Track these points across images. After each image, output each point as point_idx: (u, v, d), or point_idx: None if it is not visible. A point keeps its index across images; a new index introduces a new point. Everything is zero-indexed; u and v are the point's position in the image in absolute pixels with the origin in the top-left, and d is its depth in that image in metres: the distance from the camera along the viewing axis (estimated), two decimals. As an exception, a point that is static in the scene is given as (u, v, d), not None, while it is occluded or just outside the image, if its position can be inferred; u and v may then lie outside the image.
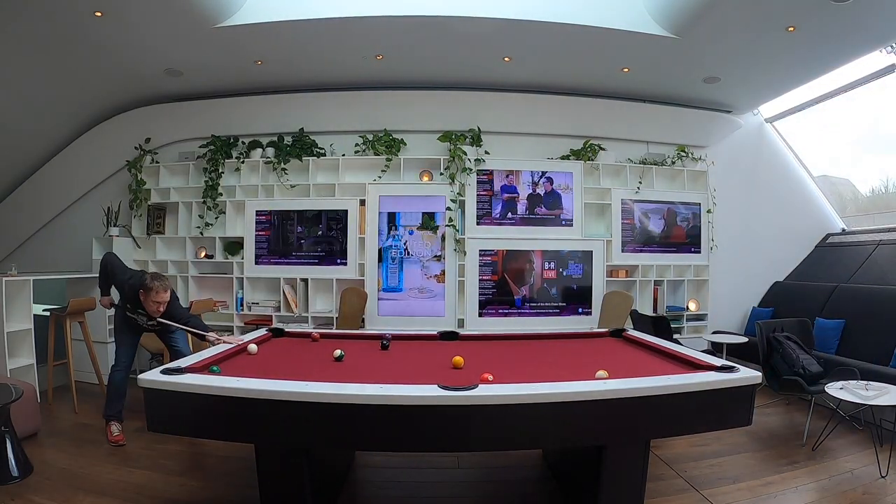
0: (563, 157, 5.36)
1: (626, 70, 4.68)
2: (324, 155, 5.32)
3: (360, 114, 5.25)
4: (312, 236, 5.20)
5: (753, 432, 3.54)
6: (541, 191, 5.26)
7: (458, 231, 5.13)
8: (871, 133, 5.62)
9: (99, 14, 3.59)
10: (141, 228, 5.38)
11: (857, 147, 5.97)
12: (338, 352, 2.59)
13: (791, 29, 3.73)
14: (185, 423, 2.08)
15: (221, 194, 5.25)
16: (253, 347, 2.70)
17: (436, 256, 5.17)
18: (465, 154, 5.13)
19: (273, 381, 2.00)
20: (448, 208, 5.15)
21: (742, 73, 4.64)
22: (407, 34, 4.13)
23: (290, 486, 2.13)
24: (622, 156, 5.52)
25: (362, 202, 5.16)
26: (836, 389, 3.16)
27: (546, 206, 5.27)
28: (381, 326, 4.90)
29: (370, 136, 5.27)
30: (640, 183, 5.41)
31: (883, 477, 2.84)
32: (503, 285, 5.17)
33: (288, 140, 5.33)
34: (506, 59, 4.53)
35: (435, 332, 3.31)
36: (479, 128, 5.20)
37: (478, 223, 5.18)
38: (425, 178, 5.26)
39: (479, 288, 5.14)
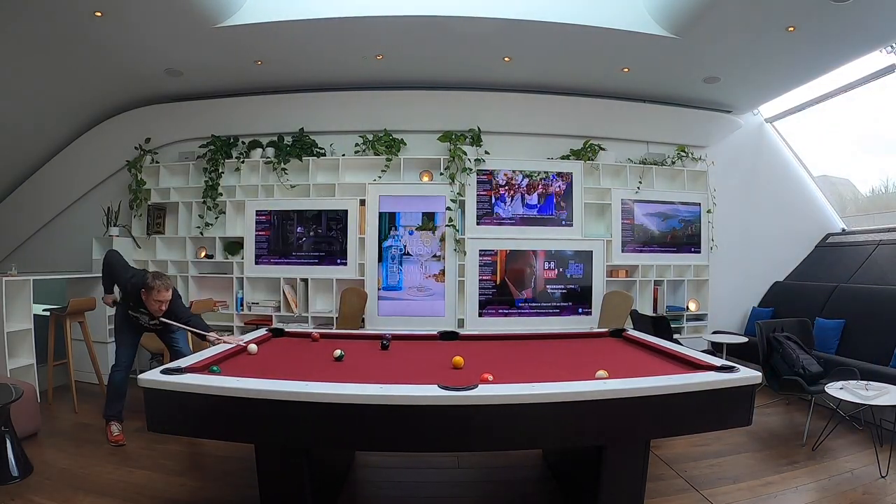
0: (563, 157, 5.36)
1: (626, 70, 4.68)
2: (324, 155, 5.32)
3: (360, 114, 5.25)
4: (312, 236, 5.21)
5: (753, 432, 3.54)
6: (541, 191, 5.26)
7: (457, 231, 5.13)
8: (871, 133, 5.62)
9: (99, 14, 3.59)
10: (141, 228, 5.38)
11: (857, 147, 5.97)
12: (338, 352, 2.60)
13: (791, 29, 3.73)
14: (185, 423, 2.08)
15: (221, 194, 5.25)
16: (253, 347, 2.70)
17: (435, 256, 5.18)
18: (465, 154, 5.13)
19: (273, 381, 2.00)
20: (448, 208, 5.15)
21: (742, 73, 4.63)
22: (407, 34, 4.13)
23: (290, 486, 2.13)
24: (622, 156, 5.52)
25: (362, 202, 5.17)
26: (836, 389, 3.16)
27: (546, 206, 5.26)
28: (381, 326, 4.91)
29: (370, 136, 5.27)
30: (640, 183, 5.41)
31: (883, 477, 2.84)
32: (503, 287, 5.17)
33: (288, 140, 5.33)
34: (506, 59, 4.53)
35: (435, 332, 3.30)
36: (479, 128, 5.20)
37: (478, 223, 5.19)
38: (425, 178, 5.26)
39: (479, 288, 5.14)
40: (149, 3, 3.52)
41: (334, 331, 3.99)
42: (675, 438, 3.34)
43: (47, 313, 4.24)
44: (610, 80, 4.94)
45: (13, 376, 3.66)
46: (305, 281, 5.15)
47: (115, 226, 5.18)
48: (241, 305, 5.18)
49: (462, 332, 3.50)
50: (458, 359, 2.43)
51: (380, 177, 5.20)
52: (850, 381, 3.25)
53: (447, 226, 5.14)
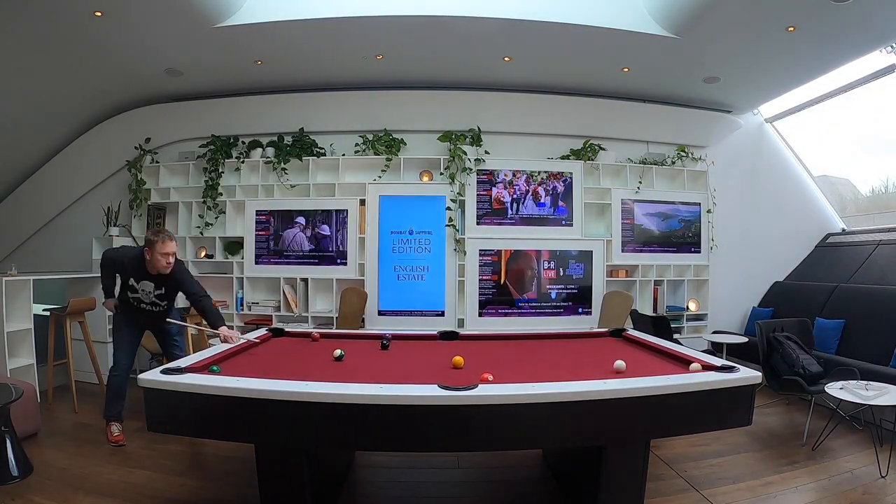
0: (563, 157, 5.36)
1: (626, 70, 4.68)
2: (324, 155, 5.32)
3: (360, 114, 5.25)
4: (312, 237, 5.20)
5: (753, 432, 3.54)
6: (541, 191, 5.26)
7: (458, 231, 5.13)
8: (871, 133, 5.62)
9: (99, 14, 3.59)
10: (141, 228, 5.37)
11: (857, 147, 5.98)
12: (338, 352, 2.59)
13: (791, 29, 3.73)
14: (185, 423, 2.08)
15: (221, 194, 5.25)
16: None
17: (434, 254, 5.17)
18: (465, 154, 5.13)
19: (273, 381, 2.00)
20: (448, 208, 5.15)
21: (742, 73, 4.63)
22: (407, 34, 4.13)
23: (290, 486, 2.12)
24: (622, 156, 5.52)
25: (362, 202, 5.17)
26: (836, 389, 3.16)
27: (546, 206, 5.26)
28: (381, 326, 4.91)
29: (370, 136, 5.27)
30: (640, 183, 5.41)
31: (883, 477, 2.84)
32: (504, 287, 5.17)
33: (288, 140, 5.33)
34: (506, 58, 4.53)
35: (435, 332, 3.30)
36: (479, 128, 5.20)
37: (478, 223, 5.19)
38: (425, 178, 5.26)
39: (479, 288, 5.14)
40: (149, 3, 3.52)
41: (334, 331, 3.99)
42: (675, 438, 3.34)
43: (47, 313, 4.24)
44: (610, 80, 4.94)
45: (13, 376, 3.66)
46: (305, 281, 5.15)
47: (115, 226, 5.19)
48: (241, 305, 5.18)
49: (462, 331, 3.50)
50: (458, 359, 2.43)
51: (380, 177, 5.20)
52: (850, 381, 3.25)
53: (447, 226, 5.14)
